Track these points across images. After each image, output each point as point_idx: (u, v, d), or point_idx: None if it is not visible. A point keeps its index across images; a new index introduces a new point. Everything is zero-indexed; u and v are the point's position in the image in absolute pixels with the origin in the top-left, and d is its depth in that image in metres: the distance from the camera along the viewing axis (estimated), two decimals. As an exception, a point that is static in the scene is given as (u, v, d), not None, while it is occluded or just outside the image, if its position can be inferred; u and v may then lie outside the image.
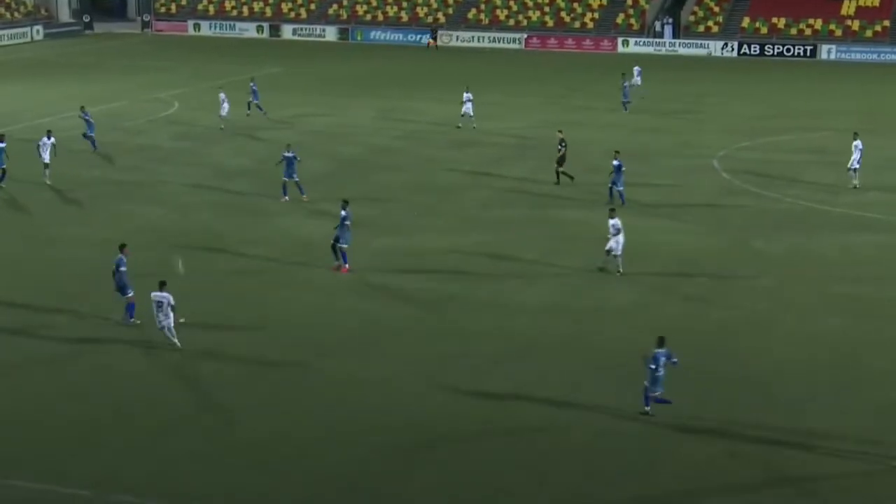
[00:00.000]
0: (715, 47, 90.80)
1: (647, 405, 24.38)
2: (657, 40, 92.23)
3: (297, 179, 41.60)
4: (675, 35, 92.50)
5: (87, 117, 50.03)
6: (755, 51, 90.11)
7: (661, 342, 24.48)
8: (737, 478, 22.05)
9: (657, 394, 24.32)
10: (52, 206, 40.74)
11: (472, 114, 56.01)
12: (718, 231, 38.92)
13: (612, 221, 33.78)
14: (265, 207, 41.05)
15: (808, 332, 29.69)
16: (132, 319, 28.87)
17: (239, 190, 43.77)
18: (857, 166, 44.11)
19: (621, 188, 41.09)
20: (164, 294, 27.05)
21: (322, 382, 26.04)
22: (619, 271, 33.67)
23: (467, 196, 43.22)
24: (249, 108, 57.90)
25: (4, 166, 42.81)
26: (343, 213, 33.55)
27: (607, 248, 33.71)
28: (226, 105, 55.23)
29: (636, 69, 71.06)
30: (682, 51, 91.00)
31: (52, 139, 44.60)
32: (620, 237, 33.59)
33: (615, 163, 41.06)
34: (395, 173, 46.88)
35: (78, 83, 65.09)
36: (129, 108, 61.23)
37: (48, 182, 43.93)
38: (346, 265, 33.75)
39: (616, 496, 21.38)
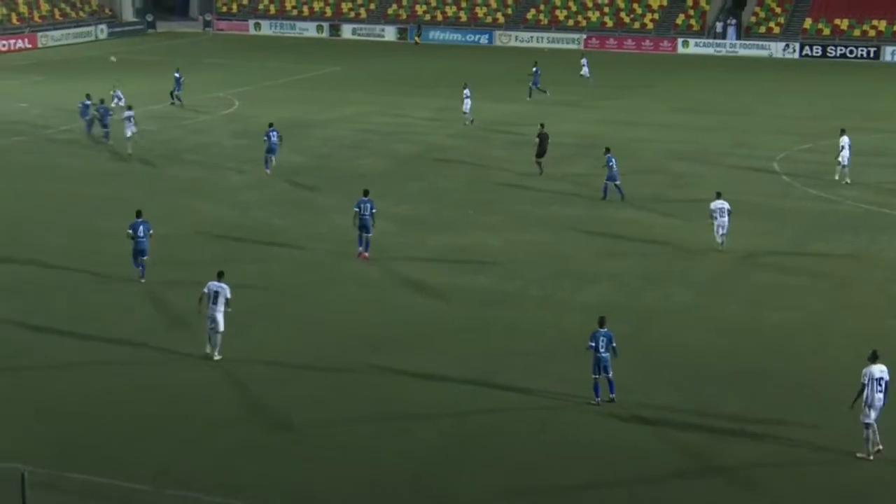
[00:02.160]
0: (776, 48, 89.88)
1: (596, 395, 24.54)
2: (717, 41, 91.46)
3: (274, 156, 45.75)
4: (738, 36, 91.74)
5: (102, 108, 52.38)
6: (817, 52, 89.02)
7: (601, 322, 24.67)
8: (782, 479, 21.89)
9: (598, 377, 24.45)
10: (110, 200, 41.21)
11: (468, 110, 56.94)
12: (777, 232, 38.62)
13: (716, 203, 35.70)
14: (322, 204, 41.33)
15: (868, 333, 29.26)
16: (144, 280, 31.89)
17: (296, 186, 44.09)
18: (847, 163, 44.31)
19: (618, 182, 41.81)
20: (222, 284, 26.98)
21: (375, 377, 26.18)
22: (722, 245, 35.64)
23: (523, 195, 43.20)
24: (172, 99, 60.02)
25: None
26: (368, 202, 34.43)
27: (716, 229, 35.85)
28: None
29: (583, 60, 72.88)
30: (742, 52, 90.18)
31: (132, 111, 49.65)
32: (725, 219, 35.61)
33: (608, 159, 41.77)
34: (451, 171, 46.97)
35: (141, 81, 65.79)
36: (191, 106, 61.78)
37: (129, 152, 48.44)
38: (367, 253, 34.58)
39: (671, 497, 21.31)
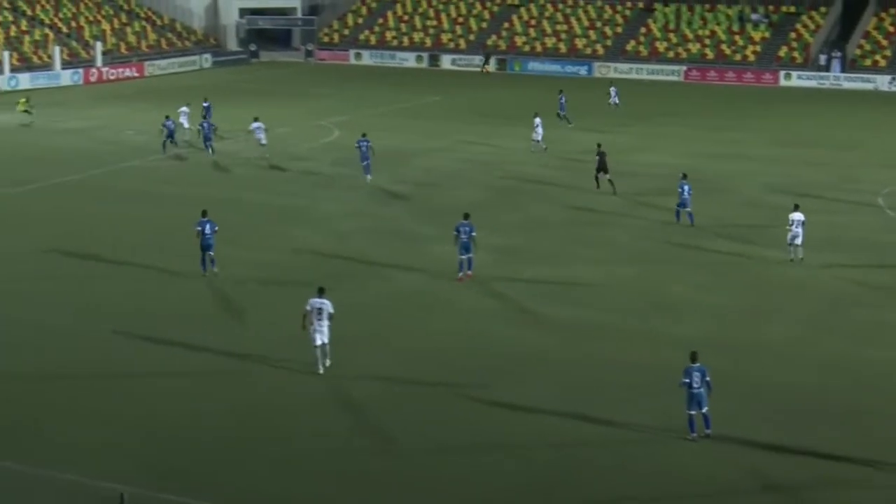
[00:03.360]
0: (881, 81, 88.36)
1: (692, 430, 24.25)
2: (821, 74, 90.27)
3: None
4: (843, 69, 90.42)
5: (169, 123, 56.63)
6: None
7: (693, 357, 24.38)
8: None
9: (694, 412, 24.14)
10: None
11: (539, 139, 57.59)
12: (880, 269, 37.91)
13: (794, 215, 37.40)
14: (420, 233, 41.60)
15: (972, 375, 28.70)
16: (207, 271, 35.08)
17: (394, 216, 44.47)
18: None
19: (689, 209, 42.61)
20: (325, 300, 27.53)
21: (470, 407, 26.22)
22: (793, 258, 37.45)
23: (620, 226, 43.03)
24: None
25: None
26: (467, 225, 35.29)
27: (789, 239, 37.57)
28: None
29: (612, 89, 73.69)
30: (846, 85, 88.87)
31: (261, 123, 55.00)
32: (801, 229, 37.22)
33: (681, 185, 42.76)
34: (547, 202, 46.96)
35: (245, 109, 66.93)
36: (292, 135, 62.72)
37: (267, 155, 54.20)
38: (470, 272, 35.48)
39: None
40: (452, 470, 23.19)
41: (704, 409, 24.30)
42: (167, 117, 57.54)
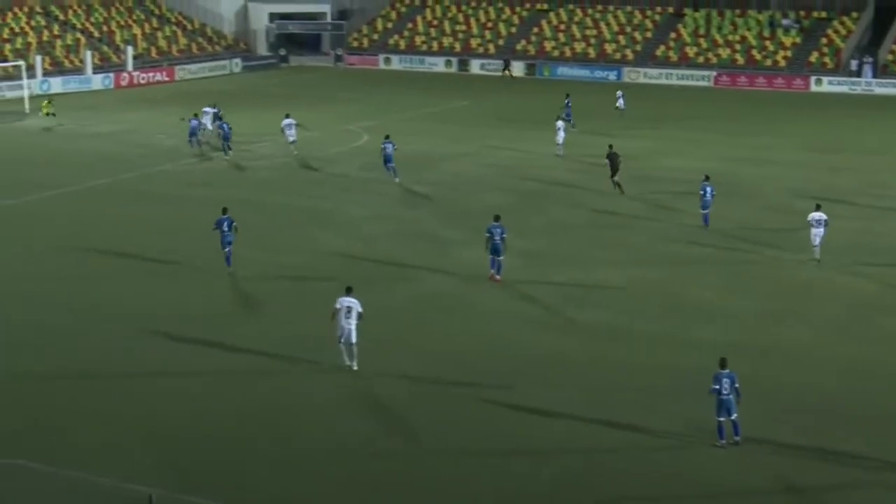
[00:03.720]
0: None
1: (721, 437, 24.17)
2: (852, 79, 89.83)
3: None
4: (875, 74, 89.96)
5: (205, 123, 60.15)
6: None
7: (723, 363, 24.33)
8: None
9: (723, 419, 24.07)
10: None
11: (561, 142, 57.78)
12: (906, 274, 37.77)
13: (815, 214, 38.03)
14: (446, 237, 41.72)
15: None
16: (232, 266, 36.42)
17: (420, 219, 44.61)
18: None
19: (707, 211, 42.81)
20: (353, 299, 27.89)
21: (495, 410, 26.26)
22: (816, 259, 37.95)
23: (645, 231, 43.00)
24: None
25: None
26: (498, 227, 35.77)
27: (811, 239, 38.20)
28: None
29: (619, 93, 73.37)
30: (878, 90, 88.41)
31: (293, 120, 57.19)
32: (822, 230, 37.86)
33: (703, 187, 42.99)
34: (573, 207, 46.98)
35: (274, 113, 67.16)
36: (321, 139, 62.99)
37: (295, 152, 56.50)
38: (499, 276, 35.85)
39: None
40: (474, 472, 23.25)
41: (734, 416, 24.18)
42: (195, 115, 59.76)
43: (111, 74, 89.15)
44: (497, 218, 36.34)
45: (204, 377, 28.06)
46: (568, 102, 67.48)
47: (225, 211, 36.99)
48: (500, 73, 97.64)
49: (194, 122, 59.10)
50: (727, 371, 24.27)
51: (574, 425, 25.55)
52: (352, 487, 22.60)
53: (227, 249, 36.54)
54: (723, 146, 62.45)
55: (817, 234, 38.08)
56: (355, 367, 28.01)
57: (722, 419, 24.18)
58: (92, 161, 56.20)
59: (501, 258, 35.96)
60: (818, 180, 52.35)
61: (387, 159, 50.69)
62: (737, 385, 24.20)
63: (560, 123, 58.40)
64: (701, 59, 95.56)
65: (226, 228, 36.43)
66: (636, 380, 28.10)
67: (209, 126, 60.81)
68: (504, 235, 35.77)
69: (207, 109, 62.34)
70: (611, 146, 49.70)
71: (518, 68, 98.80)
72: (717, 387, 24.11)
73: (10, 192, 48.30)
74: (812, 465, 23.66)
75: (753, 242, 41.19)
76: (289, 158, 56.78)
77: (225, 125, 57.80)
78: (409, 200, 47.86)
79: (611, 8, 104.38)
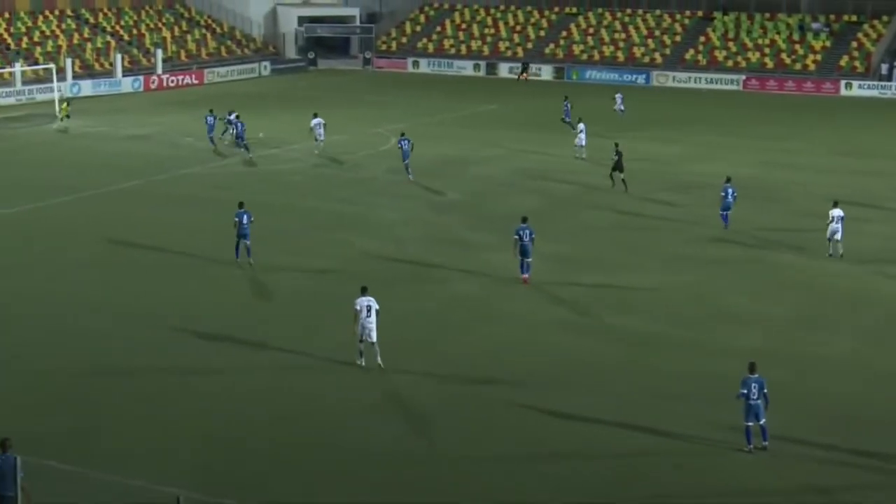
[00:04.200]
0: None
1: (748, 442, 24.07)
2: (882, 83, 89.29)
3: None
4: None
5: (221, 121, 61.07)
6: None
7: (752, 367, 24.21)
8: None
9: (751, 424, 23.96)
10: (263, 234, 42.31)
11: (583, 144, 57.99)
12: (940, 281, 37.48)
13: (833, 211, 38.98)
14: (475, 241, 41.66)
15: None
16: (241, 258, 37.71)
17: (449, 223, 44.57)
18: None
19: (727, 212, 43.30)
20: (371, 298, 28.52)
21: (522, 415, 26.21)
22: (834, 254, 39.01)
23: (678, 236, 42.82)
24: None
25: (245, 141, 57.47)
26: (527, 229, 36.06)
27: (828, 235, 39.21)
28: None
29: (618, 96, 73.99)
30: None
31: (321, 119, 58.65)
32: (839, 226, 38.66)
33: (724, 188, 43.39)
34: (604, 211, 46.85)
35: (302, 117, 67.34)
36: (350, 142, 63.05)
37: (316, 151, 57.91)
38: (527, 276, 36.07)
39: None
40: (504, 477, 23.18)
41: (762, 421, 24.10)
42: (210, 111, 61.17)
43: (141, 77, 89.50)
44: (524, 219, 36.60)
45: (236, 379, 28.11)
46: (566, 105, 68.33)
47: (241, 205, 38.04)
48: (516, 77, 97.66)
49: (210, 119, 60.62)
50: (756, 376, 24.15)
51: (603, 430, 25.44)
52: (381, 491, 22.57)
53: (242, 242, 37.73)
54: (752, 151, 62.14)
55: (834, 230, 38.85)
56: (381, 364, 28.34)
57: (750, 424, 24.08)
58: (121, 163, 56.38)
59: (529, 259, 36.09)
60: (849, 185, 52.00)
61: (404, 156, 52.33)
62: (765, 390, 24.08)
63: (582, 125, 58.21)
64: (730, 63, 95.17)
65: (244, 221, 37.58)
66: (668, 385, 27.96)
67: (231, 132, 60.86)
68: (532, 237, 35.97)
69: (230, 118, 61.87)
70: (617, 144, 51.21)
71: (546, 72, 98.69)
72: (745, 391, 24.00)
73: (40, 195, 48.50)
74: (841, 471, 23.51)
75: (785, 247, 40.97)
76: (317, 160, 56.88)
77: (239, 124, 58.67)
78: (438, 204, 47.84)
79: (640, 11, 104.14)
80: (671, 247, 41.19)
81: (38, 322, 32.31)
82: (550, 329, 32.24)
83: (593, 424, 25.74)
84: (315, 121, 58.49)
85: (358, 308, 28.39)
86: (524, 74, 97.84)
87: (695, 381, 28.24)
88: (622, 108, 73.65)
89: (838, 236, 38.98)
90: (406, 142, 52.44)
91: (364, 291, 28.86)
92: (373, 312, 28.31)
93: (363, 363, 28.52)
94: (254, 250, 37.86)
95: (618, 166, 50.15)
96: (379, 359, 28.44)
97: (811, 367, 29.43)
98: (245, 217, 37.61)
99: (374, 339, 28.36)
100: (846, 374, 28.99)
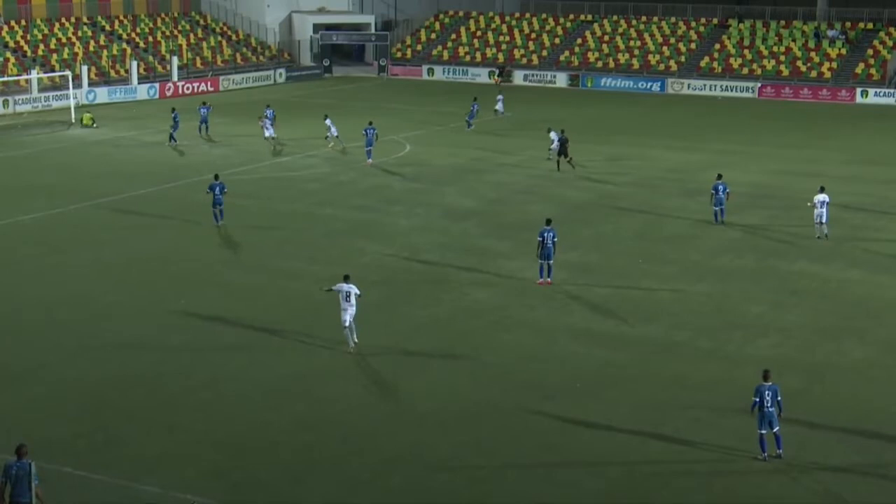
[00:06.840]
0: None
1: (763, 450, 24.01)
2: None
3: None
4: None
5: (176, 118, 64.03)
6: None
7: (765, 375, 24.19)
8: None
9: (765, 432, 23.90)
10: (282, 241, 42.42)
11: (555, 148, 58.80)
12: (959, 289, 37.30)
13: (818, 196, 42.28)
14: (491, 248, 41.62)
15: None
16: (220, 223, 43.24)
17: (466, 231, 44.54)
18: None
19: (717, 208, 45.08)
20: (352, 285, 30.37)
21: (541, 423, 26.19)
22: (821, 237, 42.08)
23: (695, 244, 42.74)
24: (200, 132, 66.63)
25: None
26: (550, 231, 36.80)
27: (815, 219, 42.32)
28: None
29: (499, 96, 78.81)
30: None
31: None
32: (824, 210, 41.94)
33: (715, 186, 45.34)
34: (621, 219, 46.78)
35: (317, 124, 67.42)
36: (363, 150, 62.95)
37: (331, 144, 61.10)
38: (549, 279, 36.59)
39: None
40: (522, 486, 23.16)
41: (776, 429, 24.05)
42: (203, 103, 66.24)
43: (156, 84, 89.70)
44: (549, 221, 37.29)
45: (261, 385, 28.14)
46: (474, 107, 71.79)
47: (217, 177, 44.16)
48: (493, 79, 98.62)
49: (204, 110, 66.00)
50: (770, 384, 24.10)
51: (623, 438, 25.41)
52: (399, 497, 22.56)
53: (216, 209, 43.46)
54: (769, 159, 61.97)
55: (819, 215, 42.21)
56: (351, 348, 30.23)
57: (763, 432, 24.03)
58: (137, 171, 56.48)
59: (551, 262, 36.49)
60: (866, 193, 51.85)
61: (367, 143, 57.24)
62: (779, 399, 24.00)
63: (553, 134, 58.63)
64: (745, 71, 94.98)
65: (217, 192, 43.32)
66: (686, 394, 27.92)
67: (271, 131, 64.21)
68: (555, 239, 36.49)
69: (268, 113, 65.81)
70: (563, 131, 56.93)
71: (561, 79, 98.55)
72: (759, 399, 23.94)
73: (58, 202, 48.62)
74: (860, 482, 23.42)
75: (803, 257, 40.83)
76: (333, 168, 56.91)
77: (203, 109, 66.19)
78: (454, 212, 47.81)
79: (655, 19, 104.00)
80: (690, 255, 41.09)
81: (56, 329, 32.37)
82: (568, 336, 32.19)
83: (609, 431, 25.70)
84: (327, 121, 62.96)
85: (337, 289, 30.42)
86: (498, 79, 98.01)
87: (712, 389, 28.17)
88: (501, 108, 77.13)
89: (824, 219, 42.26)
90: (372, 130, 57.99)
91: (346, 279, 30.61)
92: (352, 298, 30.10)
93: (351, 347, 30.18)
94: (277, 259, 38.10)
95: (562, 151, 55.35)
96: (354, 337, 30.29)
97: (829, 376, 29.31)
98: (218, 188, 43.41)
99: (349, 322, 30.10)
100: (864, 384, 28.83)
